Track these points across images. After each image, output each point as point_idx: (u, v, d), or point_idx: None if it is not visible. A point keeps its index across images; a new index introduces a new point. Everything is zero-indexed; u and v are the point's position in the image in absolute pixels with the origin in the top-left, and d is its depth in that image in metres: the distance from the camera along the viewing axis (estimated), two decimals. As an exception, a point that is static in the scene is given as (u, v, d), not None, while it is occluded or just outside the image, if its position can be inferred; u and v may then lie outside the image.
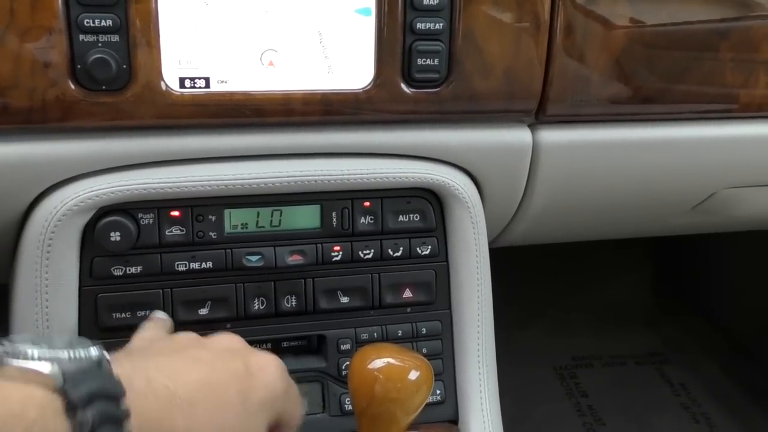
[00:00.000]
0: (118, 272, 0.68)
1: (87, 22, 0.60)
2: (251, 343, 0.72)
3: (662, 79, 0.77)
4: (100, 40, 0.61)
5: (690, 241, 1.85)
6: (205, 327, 0.71)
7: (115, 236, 0.67)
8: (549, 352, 1.71)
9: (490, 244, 0.93)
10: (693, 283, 1.89)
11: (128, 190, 0.66)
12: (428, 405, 0.75)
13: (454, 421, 0.78)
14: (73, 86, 0.61)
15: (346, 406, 0.74)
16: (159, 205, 0.68)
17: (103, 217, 0.67)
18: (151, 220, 0.68)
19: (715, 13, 0.76)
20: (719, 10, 0.77)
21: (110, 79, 0.61)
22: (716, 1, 0.77)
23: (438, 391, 0.77)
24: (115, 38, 0.61)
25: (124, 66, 0.62)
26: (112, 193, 0.65)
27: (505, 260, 1.51)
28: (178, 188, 0.67)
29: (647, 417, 1.55)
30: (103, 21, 0.60)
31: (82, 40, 0.60)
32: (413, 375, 0.61)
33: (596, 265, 1.84)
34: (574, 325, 1.78)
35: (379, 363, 0.61)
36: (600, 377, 1.66)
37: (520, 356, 1.65)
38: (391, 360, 0.61)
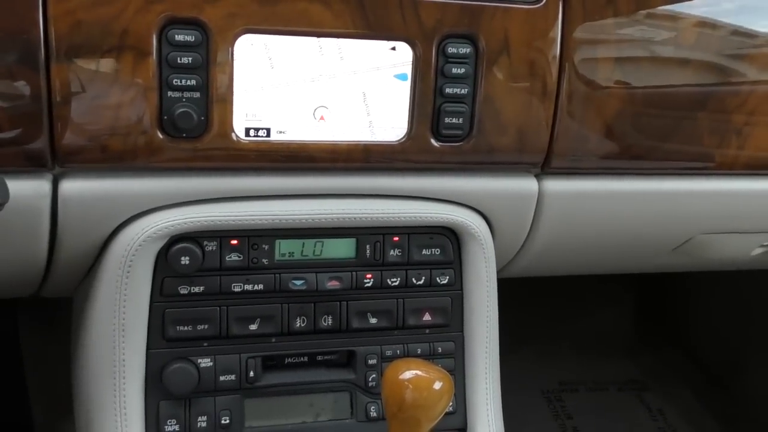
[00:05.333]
0: (184, 291, 0.79)
1: (175, 82, 0.71)
2: (291, 356, 0.84)
3: (649, 139, 0.89)
4: (185, 96, 0.72)
5: (671, 277, 1.97)
6: (253, 340, 0.82)
7: (185, 260, 0.78)
8: (537, 376, 1.82)
9: (497, 274, 1.05)
10: (672, 316, 2.01)
11: (198, 222, 0.77)
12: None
13: (463, 429, 0.89)
14: (160, 134, 0.73)
15: (372, 413, 0.85)
16: (221, 234, 0.79)
17: (175, 243, 0.78)
18: (214, 247, 0.79)
19: (695, 79, 0.89)
20: (699, 77, 0.89)
21: (190, 129, 0.73)
22: (696, 70, 0.89)
23: (451, 403, 0.88)
24: (197, 95, 0.72)
25: (203, 118, 0.73)
26: (184, 223, 0.77)
27: (502, 290, 1.63)
28: (238, 220, 0.78)
29: (628, 439, 1.67)
30: (188, 80, 0.72)
31: (170, 96, 0.72)
32: (437, 385, 0.71)
33: (582, 297, 1.96)
34: (561, 352, 1.89)
35: (408, 374, 0.71)
36: (584, 401, 1.78)
37: (510, 380, 1.75)
38: (419, 372, 0.72)
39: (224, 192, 0.78)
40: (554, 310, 1.95)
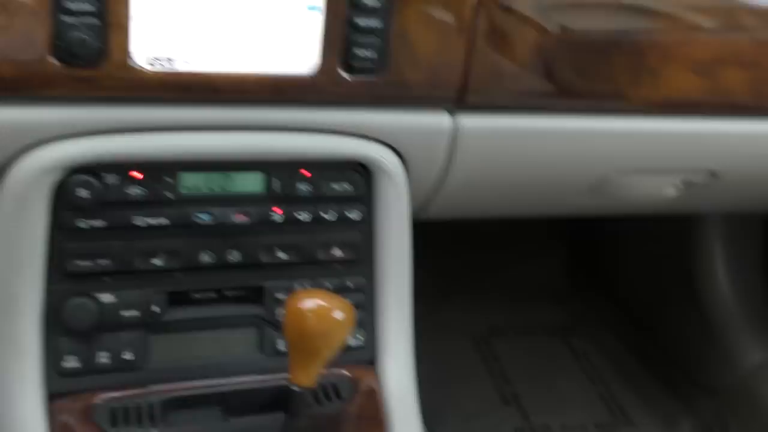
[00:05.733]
0: (83, 225, 0.77)
1: (69, 6, 0.68)
2: (198, 291, 0.83)
3: (565, 77, 0.89)
4: (80, 21, 0.69)
5: (601, 225, 2.02)
6: (158, 275, 0.81)
7: (82, 193, 0.75)
8: (467, 322, 1.85)
9: (415, 215, 1.05)
10: (601, 263, 2.06)
11: (96, 153, 0.75)
12: (351, 349, 0.87)
13: (372, 362, 0.89)
14: (55, 62, 0.70)
15: (280, 347, 0.85)
16: (122, 167, 0.77)
17: (72, 175, 0.75)
18: (115, 180, 0.77)
19: (611, 23, 0.89)
20: (615, 17, 0.90)
21: (87, 56, 0.70)
22: (612, 10, 0.89)
23: (359, 337, 0.88)
24: (93, 20, 0.69)
25: (100, 45, 0.70)
26: (82, 154, 0.74)
27: (430, 236, 1.64)
28: (140, 152, 0.76)
29: (552, 379, 1.71)
30: (82, 4, 0.68)
31: (64, 20, 0.68)
32: (338, 315, 0.72)
33: (515, 246, 1.99)
34: (491, 299, 1.93)
35: (309, 303, 0.72)
36: (513, 345, 1.82)
37: (440, 325, 1.79)
38: (320, 301, 0.72)
39: (125, 123, 0.76)
40: (486, 259, 1.98)
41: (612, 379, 1.74)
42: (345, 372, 0.86)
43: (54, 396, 0.77)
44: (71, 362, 0.78)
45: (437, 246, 1.68)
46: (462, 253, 1.95)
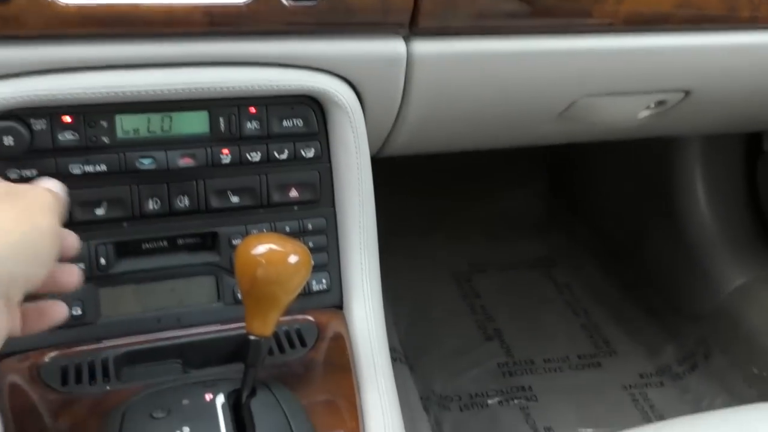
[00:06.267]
0: (13, 175, 0.72)
1: None
2: (148, 240, 0.79)
3: (523, -5, 0.84)
4: None
5: (579, 156, 1.98)
6: (102, 226, 0.77)
7: (8, 141, 0.71)
8: (447, 258, 1.83)
9: (377, 153, 1.00)
10: (580, 194, 2.03)
11: (19, 97, 0.69)
12: (316, 293, 0.84)
13: (339, 306, 0.86)
14: (-41, -4, 0.64)
15: (239, 295, 0.82)
16: (51, 111, 0.72)
17: None
18: (43, 126, 0.72)
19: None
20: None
21: (-4, -10, 0.64)
22: None
23: (324, 281, 0.84)
24: None
25: None
26: (3, 99, 0.69)
27: (405, 171, 1.60)
28: (68, 95, 0.71)
29: (534, 313, 1.70)
30: None
31: None
32: (292, 259, 0.68)
33: (492, 178, 1.96)
34: (471, 235, 1.90)
35: (261, 249, 0.67)
36: (493, 281, 1.80)
37: (420, 263, 1.77)
38: (272, 246, 0.68)
39: (48, 63, 0.71)
40: (465, 194, 1.95)
41: (594, 310, 1.73)
42: (309, 318, 0.83)
43: (1, 356, 0.73)
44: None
45: (409, 183, 1.64)
46: (438, 189, 1.91)
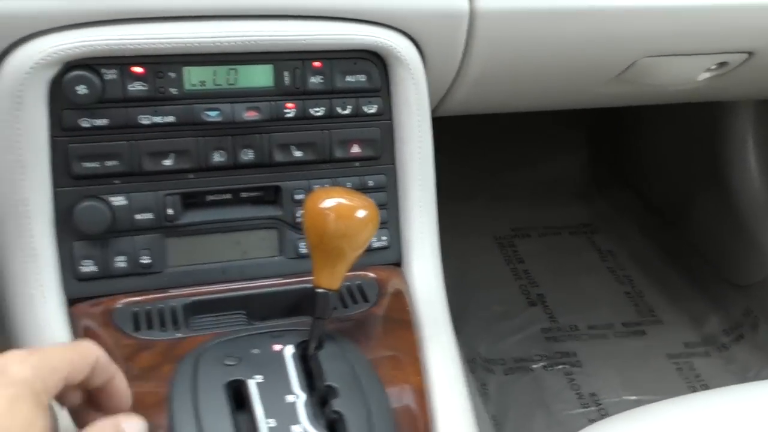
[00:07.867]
0: (86, 124, 0.73)
1: None
2: (213, 192, 0.80)
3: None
4: None
5: (624, 121, 1.95)
6: (170, 177, 0.78)
7: (81, 89, 0.71)
8: (489, 222, 1.82)
9: (434, 111, 1.00)
10: (625, 159, 2.00)
11: (92, 46, 0.70)
12: (375, 250, 0.84)
13: (398, 263, 0.86)
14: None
15: (301, 249, 0.82)
16: (122, 61, 0.72)
17: (69, 71, 0.71)
18: (114, 76, 0.73)
19: None
20: None
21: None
22: None
23: (384, 238, 0.85)
24: None
25: None
26: (77, 47, 0.69)
27: (450, 135, 1.60)
28: (138, 45, 0.71)
29: (577, 279, 1.69)
30: None
31: None
32: (361, 213, 0.68)
33: (535, 143, 1.94)
34: (513, 198, 1.89)
35: (330, 202, 0.68)
36: (536, 245, 1.79)
37: (462, 227, 1.76)
38: (341, 200, 0.68)
39: (121, 12, 0.71)
40: (507, 157, 1.93)
41: (638, 278, 1.72)
42: (370, 274, 0.83)
43: (74, 301, 0.75)
44: (88, 266, 0.75)
45: (454, 143, 1.63)
46: (480, 152, 1.90)
